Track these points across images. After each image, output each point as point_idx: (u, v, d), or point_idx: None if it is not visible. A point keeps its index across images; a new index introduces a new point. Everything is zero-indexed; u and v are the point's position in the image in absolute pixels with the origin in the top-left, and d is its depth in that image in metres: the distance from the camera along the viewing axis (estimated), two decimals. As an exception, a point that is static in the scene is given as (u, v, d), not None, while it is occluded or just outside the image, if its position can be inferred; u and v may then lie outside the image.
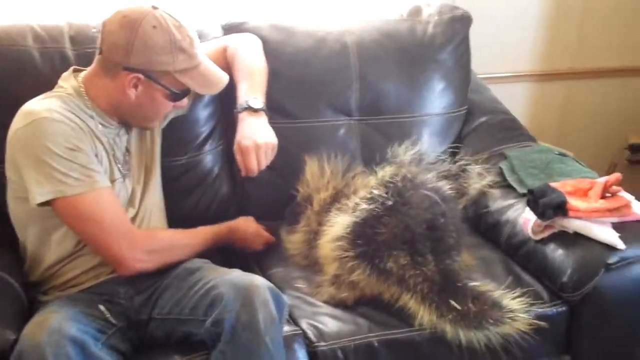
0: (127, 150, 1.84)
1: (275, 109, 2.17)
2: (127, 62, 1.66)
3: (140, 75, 1.67)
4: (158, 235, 1.83)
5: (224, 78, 1.83)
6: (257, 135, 1.84)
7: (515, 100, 2.91)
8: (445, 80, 2.35)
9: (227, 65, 2.00)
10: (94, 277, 1.76)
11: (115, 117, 1.76)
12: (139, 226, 1.83)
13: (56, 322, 1.51)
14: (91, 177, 1.64)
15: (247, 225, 2.06)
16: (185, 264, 1.79)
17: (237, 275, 1.67)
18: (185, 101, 1.84)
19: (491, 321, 1.76)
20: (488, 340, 1.75)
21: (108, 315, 1.66)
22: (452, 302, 1.75)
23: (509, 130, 2.43)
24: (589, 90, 3.07)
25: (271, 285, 1.66)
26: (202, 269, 1.76)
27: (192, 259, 1.86)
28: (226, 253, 2.04)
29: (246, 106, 1.90)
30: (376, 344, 1.76)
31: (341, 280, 1.83)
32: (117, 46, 1.65)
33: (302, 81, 2.22)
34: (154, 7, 1.69)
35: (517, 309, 1.79)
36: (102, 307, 1.67)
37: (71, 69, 1.80)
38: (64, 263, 1.75)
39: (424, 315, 1.76)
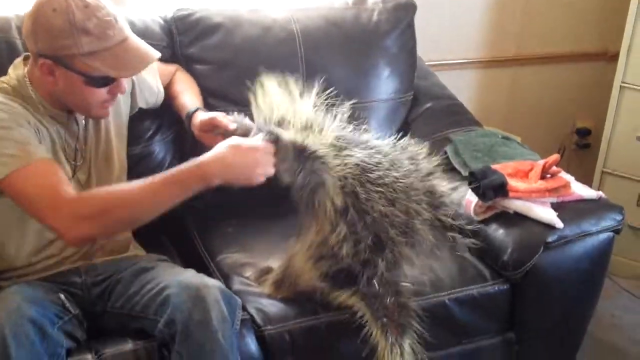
0: (80, 139, 1.81)
1: (224, 97, 2.22)
2: (37, 49, 1.63)
3: (49, 61, 1.63)
4: (87, 199, 1.62)
5: (151, 56, 1.71)
6: None
7: (464, 87, 2.97)
8: (391, 67, 2.39)
9: (170, 81, 2.09)
10: (55, 266, 1.76)
11: (59, 106, 1.74)
12: None
13: (15, 303, 1.52)
14: (27, 150, 1.59)
15: (236, 149, 1.66)
16: (141, 262, 1.81)
17: (189, 275, 1.69)
18: (123, 86, 1.73)
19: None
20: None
21: (67, 303, 1.66)
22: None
23: (454, 115, 2.48)
24: (536, 75, 3.13)
25: (223, 286, 1.68)
26: (157, 267, 1.78)
27: (150, 256, 1.89)
28: (184, 252, 2.06)
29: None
30: (323, 326, 1.79)
31: (284, 284, 1.84)
32: (27, 33, 1.64)
33: (250, 69, 2.22)
34: None
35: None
36: (62, 296, 1.66)
37: (22, 56, 1.78)
38: (28, 253, 1.75)
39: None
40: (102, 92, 1.70)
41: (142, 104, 2.02)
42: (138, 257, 1.89)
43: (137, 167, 2.11)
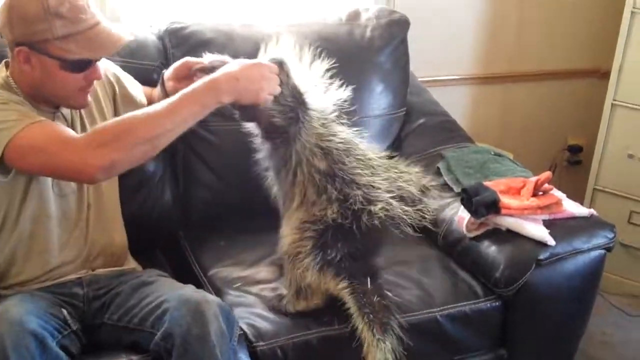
0: None
1: (217, 113, 2.20)
2: (13, 38, 1.65)
3: (25, 48, 1.64)
4: (100, 128, 1.64)
5: (123, 37, 1.72)
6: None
7: (457, 103, 2.98)
8: (384, 83, 2.39)
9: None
10: (57, 277, 1.76)
11: (43, 101, 1.74)
12: (94, 218, 1.83)
13: (17, 314, 1.52)
14: (29, 115, 1.63)
15: (242, 64, 1.72)
16: (142, 276, 1.82)
17: (189, 290, 1.69)
18: (97, 72, 1.72)
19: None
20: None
21: (69, 319, 1.66)
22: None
23: (447, 131, 2.48)
24: (528, 92, 3.15)
25: (222, 302, 1.69)
26: (157, 281, 1.78)
27: (151, 271, 1.89)
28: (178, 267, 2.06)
29: None
30: (314, 342, 1.79)
31: (303, 292, 1.84)
32: (3, 24, 1.65)
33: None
34: None
35: None
36: (64, 311, 1.67)
37: (2, 62, 1.79)
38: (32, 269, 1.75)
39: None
40: (79, 78, 1.70)
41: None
42: (139, 271, 1.91)
43: (126, 179, 2.09)
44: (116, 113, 1.95)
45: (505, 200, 1.98)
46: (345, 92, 1.89)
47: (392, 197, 1.81)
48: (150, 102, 1.99)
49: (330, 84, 1.89)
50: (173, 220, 2.26)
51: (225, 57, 1.86)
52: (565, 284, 1.98)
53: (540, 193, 2.05)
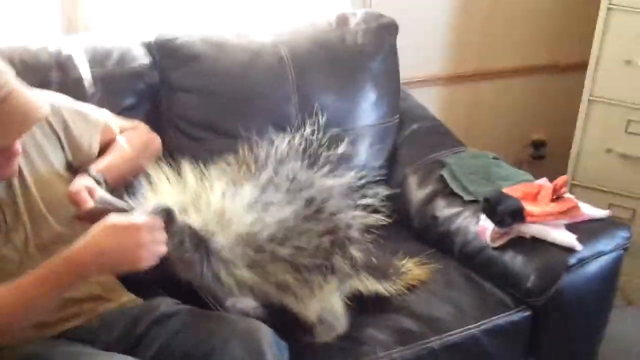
0: (4, 199, 1.55)
1: (210, 127, 2.10)
2: None
3: None
4: None
5: (33, 118, 1.43)
6: None
7: (427, 104, 2.93)
8: (378, 90, 2.31)
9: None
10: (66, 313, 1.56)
11: None
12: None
13: None
14: None
15: (109, 229, 1.38)
16: (160, 307, 1.62)
17: (234, 318, 1.56)
18: (15, 149, 1.46)
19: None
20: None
21: None
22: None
23: (440, 136, 2.44)
24: (494, 90, 3.13)
25: (270, 329, 1.55)
26: (180, 313, 1.61)
27: (165, 300, 1.67)
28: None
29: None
30: None
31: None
32: None
33: (238, 97, 2.11)
34: None
35: None
36: None
37: None
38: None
39: None
40: None
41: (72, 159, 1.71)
42: (152, 304, 1.67)
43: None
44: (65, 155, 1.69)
45: (527, 207, 1.94)
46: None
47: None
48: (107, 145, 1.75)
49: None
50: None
51: (114, 201, 1.53)
52: (588, 287, 1.96)
53: (555, 198, 2.04)
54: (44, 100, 1.48)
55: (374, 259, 1.84)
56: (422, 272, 1.99)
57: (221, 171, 1.65)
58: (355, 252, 1.70)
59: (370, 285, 1.83)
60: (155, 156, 1.78)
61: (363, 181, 1.73)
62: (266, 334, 1.50)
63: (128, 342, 1.60)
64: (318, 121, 1.78)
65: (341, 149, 1.74)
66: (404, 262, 1.98)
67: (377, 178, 1.80)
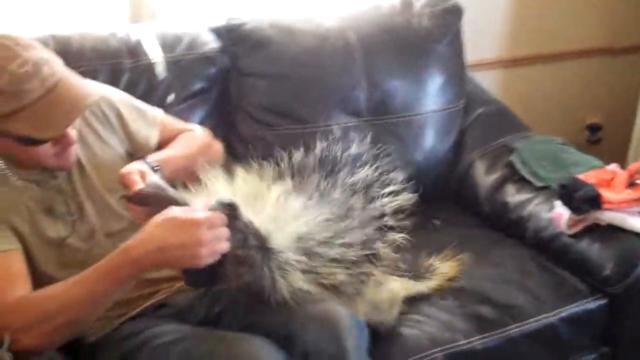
0: (67, 192, 1.57)
1: (281, 113, 2.09)
2: None
3: None
4: (28, 304, 1.40)
5: (81, 105, 1.43)
6: None
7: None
8: (445, 75, 2.28)
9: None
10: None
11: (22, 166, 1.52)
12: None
13: None
14: None
15: (168, 224, 1.32)
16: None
17: (311, 302, 1.50)
18: (69, 139, 1.47)
19: None
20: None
21: None
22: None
23: (506, 120, 2.41)
24: (549, 73, 3.09)
25: (351, 312, 1.52)
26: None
27: None
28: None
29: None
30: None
31: None
32: None
33: (308, 82, 2.09)
34: None
35: None
36: None
37: None
38: None
39: None
40: (47, 147, 1.46)
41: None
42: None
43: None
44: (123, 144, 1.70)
45: (603, 194, 1.91)
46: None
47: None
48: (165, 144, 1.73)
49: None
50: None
51: (165, 187, 1.46)
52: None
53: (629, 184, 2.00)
54: (92, 88, 1.48)
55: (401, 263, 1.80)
56: (450, 269, 1.93)
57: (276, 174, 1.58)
58: (395, 237, 1.63)
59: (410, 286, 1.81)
60: (214, 161, 1.71)
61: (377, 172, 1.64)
62: (344, 318, 1.47)
63: (212, 321, 1.59)
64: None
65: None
66: (431, 261, 1.93)
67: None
